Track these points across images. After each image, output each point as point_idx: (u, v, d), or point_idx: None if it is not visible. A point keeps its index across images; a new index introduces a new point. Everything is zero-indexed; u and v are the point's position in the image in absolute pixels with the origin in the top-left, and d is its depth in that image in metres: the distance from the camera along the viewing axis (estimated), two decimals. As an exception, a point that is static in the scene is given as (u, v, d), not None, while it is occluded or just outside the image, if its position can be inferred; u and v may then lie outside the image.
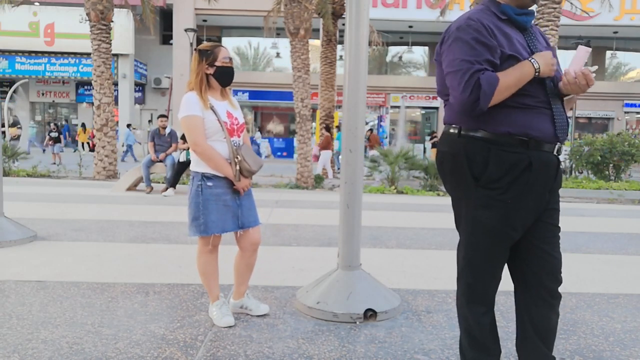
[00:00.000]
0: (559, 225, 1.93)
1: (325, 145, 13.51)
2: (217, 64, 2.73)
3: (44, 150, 21.67)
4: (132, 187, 9.19)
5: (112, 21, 11.37)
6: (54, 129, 18.57)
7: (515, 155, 1.78)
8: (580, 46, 1.84)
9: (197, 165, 2.73)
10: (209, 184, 2.69)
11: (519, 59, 1.78)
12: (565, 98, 1.92)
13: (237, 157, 2.73)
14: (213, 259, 2.83)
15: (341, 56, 13.60)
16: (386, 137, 24.05)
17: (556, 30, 10.41)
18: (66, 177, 11.32)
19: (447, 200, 2.21)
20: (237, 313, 2.96)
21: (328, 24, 13.75)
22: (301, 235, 5.36)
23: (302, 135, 10.93)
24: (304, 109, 10.85)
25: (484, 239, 1.86)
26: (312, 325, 2.86)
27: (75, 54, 22.75)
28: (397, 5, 21.76)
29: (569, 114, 1.99)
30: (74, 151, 20.36)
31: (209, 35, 24.80)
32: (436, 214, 7.35)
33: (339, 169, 13.55)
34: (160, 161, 8.75)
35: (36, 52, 22.92)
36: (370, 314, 2.94)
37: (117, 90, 21.75)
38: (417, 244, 5.16)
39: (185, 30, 17.65)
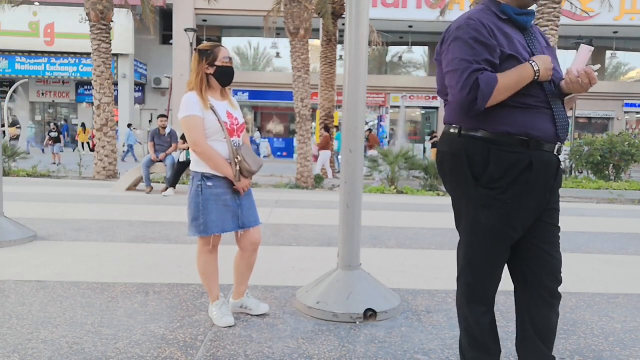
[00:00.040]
0: (559, 225, 1.93)
1: (324, 145, 13.51)
2: (218, 63, 2.73)
3: (42, 151, 21.67)
4: (132, 187, 9.19)
5: (112, 21, 11.37)
6: (54, 129, 18.57)
7: (515, 155, 1.78)
8: (582, 45, 1.84)
9: (197, 166, 2.73)
10: (209, 184, 2.69)
11: (518, 59, 1.78)
12: (566, 98, 1.92)
13: (237, 158, 2.73)
14: (213, 259, 2.83)
15: (341, 56, 13.61)
16: (386, 137, 24.04)
17: (556, 30, 10.41)
18: (66, 177, 11.32)
19: (447, 200, 2.21)
20: (237, 313, 2.96)
21: (328, 24, 13.75)
22: (301, 235, 5.36)
23: (302, 135, 10.93)
24: (304, 109, 10.85)
25: (484, 238, 1.86)
26: (312, 325, 2.86)
27: (75, 54, 22.74)
28: (397, 5, 21.76)
29: (569, 114, 1.99)
30: (73, 151, 20.36)
31: (209, 35, 24.80)
32: (436, 214, 7.35)
33: (339, 170, 13.55)
34: (160, 161, 8.75)
35: (36, 52, 22.91)
36: (370, 314, 2.94)
37: (117, 90, 21.75)
38: (417, 244, 5.16)
39: (185, 30, 17.65)
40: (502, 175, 1.79)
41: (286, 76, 21.57)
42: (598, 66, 1.87)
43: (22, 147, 15.54)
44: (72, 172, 11.85)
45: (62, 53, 22.90)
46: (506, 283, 1.99)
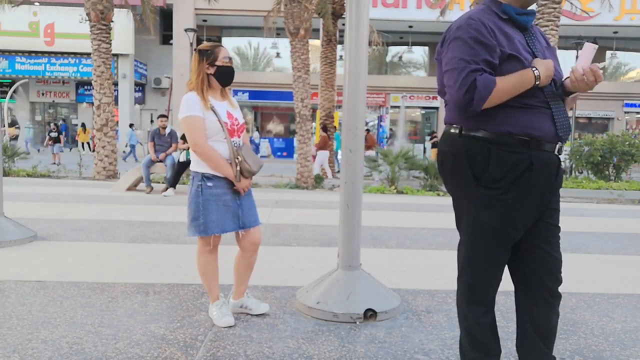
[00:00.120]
0: (559, 225, 1.93)
1: (322, 145, 13.50)
2: (218, 63, 2.73)
3: (38, 150, 21.66)
4: (132, 187, 9.19)
5: (112, 21, 11.37)
6: (54, 129, 18.57)
7: (516, 155, 1.78)
8: (587, 43, 1.84)
9: (197, 166, 2.73)
10: (209, 184, 2.69)
11: (519, 59, 1.78)
12: (570, 96, 1.92)
13: (237, 158, 2.73)
14: (213, 259, 2.83)
15: (341, 56, 13.63)
16: (386, 137, 24.04)
17: (556, 30, 10.42)
18: (66, 177, 11.32)
19: (447, 200, 2.21)
20: (237, 313, 2.96)
21: (328, 24, 13.75)
22: (301, 235, 5.36)
23: (302, 135, 10.93)
24: (304, 109, 10.85)
25: (484, 238, 1.86)
26: (312, 325, 2.86)
27: (75, 54, 22.74)
28: (397, 5, 21.76)
29: (569, 114, 1.99)
30: (70, 150, 20.34)
31: (209, 35, 24.80)
32: (436, 214, 7.35)
33: (338, 170, 13.56)
34: (160, 161, 8.75)
35: (36, 52, 22.91)
36: (370, 314, 2.94)
37: (117, 90, 21.75)
38: (417, 244, 5.16)
39: (185, 30, 17.66)
40: (502, 175, 1.79)
41: (286, 76, 21.58)
42: (603, 64, 1.87)
43: (21, 147, 15.55)
44: (72, 172, 11.85)
45: (62, 53, 22.90)
46: (506, 283, 1.99)
